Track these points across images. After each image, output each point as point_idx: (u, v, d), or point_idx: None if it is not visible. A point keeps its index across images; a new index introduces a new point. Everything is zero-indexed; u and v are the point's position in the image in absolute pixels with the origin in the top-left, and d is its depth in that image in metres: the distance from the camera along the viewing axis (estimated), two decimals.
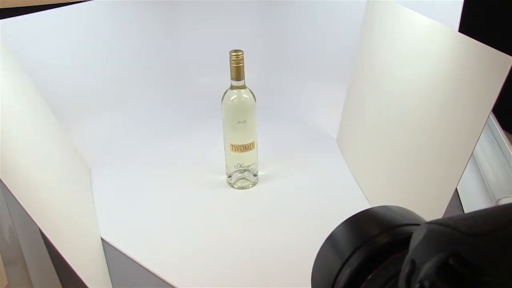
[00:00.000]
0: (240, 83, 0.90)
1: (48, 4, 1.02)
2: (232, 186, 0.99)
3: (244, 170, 0.97)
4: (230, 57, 0.87)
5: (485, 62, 0.61)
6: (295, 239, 0.84)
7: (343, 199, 0.93)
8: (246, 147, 0.94)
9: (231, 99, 0.91)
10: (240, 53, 0.86)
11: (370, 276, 0.28)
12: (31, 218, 0.59)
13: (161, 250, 0.83)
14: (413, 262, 0.19)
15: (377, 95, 0.93)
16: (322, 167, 1.04)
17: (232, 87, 0.91)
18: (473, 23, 0.87)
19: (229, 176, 0.99)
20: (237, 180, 0.99)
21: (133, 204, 0.95)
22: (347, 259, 0.29)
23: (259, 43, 1.26)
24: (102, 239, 0.86)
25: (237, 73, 0.88)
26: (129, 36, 1.15)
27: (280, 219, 0.90)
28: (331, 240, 0.32)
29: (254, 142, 0.95)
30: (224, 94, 0.91)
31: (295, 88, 1.26)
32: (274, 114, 1.22)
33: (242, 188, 0.99)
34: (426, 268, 0.17)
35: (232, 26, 1.26)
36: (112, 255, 0.83)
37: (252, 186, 0.99)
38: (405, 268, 0.19)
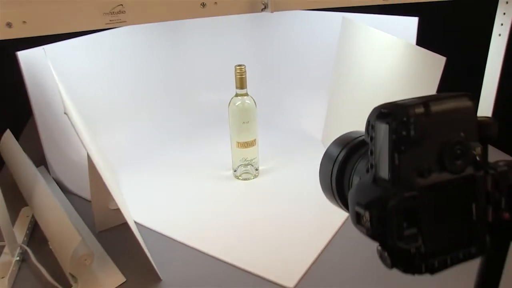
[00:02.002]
0: (243, 91, 1.11)
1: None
2: (238, 178, 1.20)
3: (247, 164, 1.18)
4: (235, 70, 1.09)
5: (428, 62, 0.84)
6: (288, 218, 1.04)
7: None
8: (249, 144, 1.15)
9: (236, 104, 1.12)
10: (243, 67, 1.08)
11: (348, 162, 0.48)
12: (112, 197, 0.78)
13: (183, 225, 1.02)
14: (368, 121, 0.39)
15: (352, 100, 1.15)
16: (310, 163, 1.24)
17: (236, 95, 1.12)
18: (425, 36, 1.10)
19: (235, 170, 1.20)
20: (242, 173, 1.19)
21: (156, 196, 1.15)
22: (336, 158, 0.50)
23: (252, 60, 1.48)
24: (135, 221, 1.05)
25: (241, 83, 1.10)
26: (145, 57, 1.37)
27: (277, 203, 1.10)
28: (325, 154, 0.53)
29: (255, 139, 1.16)
30: (230, 101, 1.13)
31: (284, 98, 1.48)
32: (268, 120, 1.43)
33: (246, 179, 1.19)
34: (372, 117, 0.38)
35: (228, 49, 1.48)
36: (143, 232, 1.02)
37: (253, 178, 1.20)
38: (366, 126, 0.40)
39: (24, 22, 0.76)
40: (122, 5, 0.80)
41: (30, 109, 1.21)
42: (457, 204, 0.38)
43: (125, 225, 1.02)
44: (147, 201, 1.12)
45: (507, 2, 0.99)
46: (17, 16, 0.75)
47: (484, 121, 0.39)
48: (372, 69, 1.06)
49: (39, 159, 1.20)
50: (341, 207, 0.51)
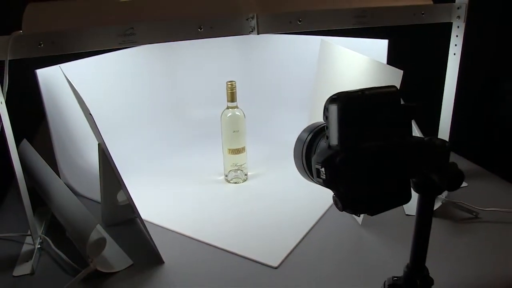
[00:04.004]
0: (234, 104, 1.27)
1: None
2: (229, 182, 1.35)
3: (237, 169, 1.33)
4: (227, 86, 1.25)
5: (389, 74, 1.00)
6: (273, 213, 1.19)
7: (307, 190, 1.30)
8: (239, 150, 1.30)
9: (228, 115, 1.28)
10: (233, 82, 1.24)
11: (313, 142, 0.63)
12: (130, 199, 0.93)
13: (181, 219, 1.16)
14: (324, 106, 0.55)
15: None
16: (291, 169, 1.39)
17: (228, 107, 1.28)
18: (395, 56, 1.26)
19: (226, 175, 1.35)
20: (233, 177, 1.35)
21: (157, 196, 1.29)
22: (305, 141, 0.65)
23: (242, 78, 1.63)
24: None
25: (232, 97, 1.26)
26: (148, 76, 1.54)
27: (263, 201, 1.25)
28: (297, 140, 0.68)
29: (244, 147, 1.31)
30: (222, 112, 1.28)
31: (269, 111, 1.65)
32: (255, 131, 1.57)
33: (236, 183, 1.35)
34: (327, 103, 0.54)
35: (220, 69, 1.65)
36: (146, 225, 1.16)
37: (243, 182, 1.35)
38: (323, 110, 0.55)
39: (52, 42, 0.92)
40: (133, 28, 0.95)
41: (39, 121, 1.36)
42: (387, 163, 0.54)
43: (130, 221, 1.17)
44: (149, 200, 1.26)
45: (458, 27, 1.17)
46: (47, 38, 0.91)
47: (408, 104, 0.55)
48: (345, 82, 1.22)
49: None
50: (311, 179, 0.66)
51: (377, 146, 0.53)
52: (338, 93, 0.54)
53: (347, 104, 0.52)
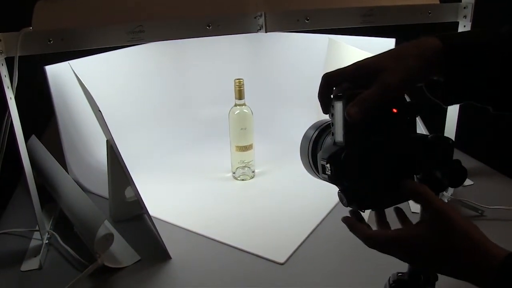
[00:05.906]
0: (242, 101, 1.28)
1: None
2: (236, 179, 1.36)
3: (245, 166, 1.34)
4: (234, 83, 1.25)
5: None
6: (280, 210, 1.20)
7: (314, 187, 1.30)
8: (247, 148, 1.31)
9: (235, 113, 1.28)
10: (241, 80, 1.25)
11: (319, 139, 0.64)
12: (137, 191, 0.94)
13: (189, 216, 1.17)
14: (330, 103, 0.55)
15: None
16: (299, 166, 1.39)
17: (235, 105, 1.28)
18: None
19: (234, 172, 1.36)
20: (240, 174, 1.35)
21: (165, 193, 1.31)
22: (311, 138, 0.66)
23: (250, 76, 1.64)
24: None
25: (239, 94, 1.27)
26: (156, 74, 1.55)
27: (270, 198, 1.26)
28: (303, 136, 0.68)
29: (252, 144, 1.32)
30: (230, 110, 1.29)
31: (277, 109, 1.65)
32: (263, 129, 1.57)
33: (244, 180, 1.35)
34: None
35: (228, 67, 1.66)
36: (154, 222, 1.17)
37: (250, 179, 1.36)
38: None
39: (62, 39, 0.93)
40: (141, 25, 0.96)
41: (48, 117, 1.38)
42: (392, 159, 0.54)
43: (137, 217, 1.18)
44: (157, 197, 1.27)
45: (464, 26, 1.17)
46: (57, 35, 0.92)
47: (412, 102, 0.56)
48: None
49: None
50: (316, 175, 0.66)
51: (382, 142, 0.54)
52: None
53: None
